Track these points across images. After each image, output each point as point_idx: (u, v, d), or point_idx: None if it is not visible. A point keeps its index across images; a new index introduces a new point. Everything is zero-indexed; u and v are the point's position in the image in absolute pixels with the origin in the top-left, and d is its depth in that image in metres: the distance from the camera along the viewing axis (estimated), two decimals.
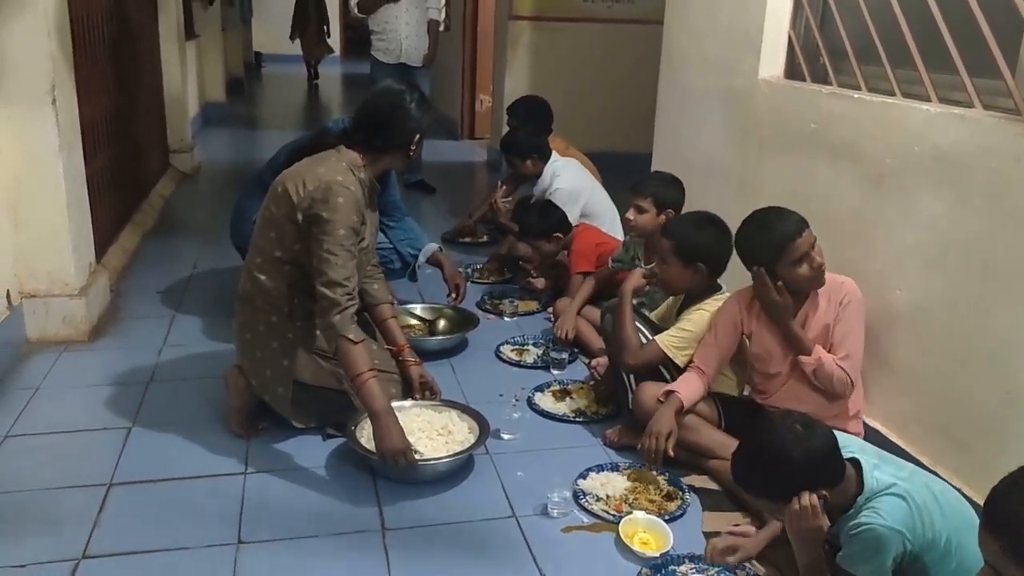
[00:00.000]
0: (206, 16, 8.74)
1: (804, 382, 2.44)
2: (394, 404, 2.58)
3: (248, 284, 2.56)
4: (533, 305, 3.88)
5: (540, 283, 3.98)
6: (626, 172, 3.67)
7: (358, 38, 11.37)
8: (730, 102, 3.31)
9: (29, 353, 3.20)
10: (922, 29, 2.49)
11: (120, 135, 4.49)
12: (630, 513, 2.25)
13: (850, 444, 1.86)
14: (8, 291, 3.16)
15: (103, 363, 3.17)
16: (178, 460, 2.52)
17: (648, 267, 3.14)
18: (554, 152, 4.40)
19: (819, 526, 1.76)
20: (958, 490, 1.96)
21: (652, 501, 2.35)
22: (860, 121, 2.59)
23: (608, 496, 2.37)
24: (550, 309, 3.75)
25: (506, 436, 2.70)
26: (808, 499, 1.76)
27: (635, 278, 2.78)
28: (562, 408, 2.90)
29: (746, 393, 2.70)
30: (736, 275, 2.86)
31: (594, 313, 3.24)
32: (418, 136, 2.56)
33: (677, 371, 2.63)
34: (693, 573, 2.07)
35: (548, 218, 3.87)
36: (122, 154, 4.52)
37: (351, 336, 2.34)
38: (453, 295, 3.48)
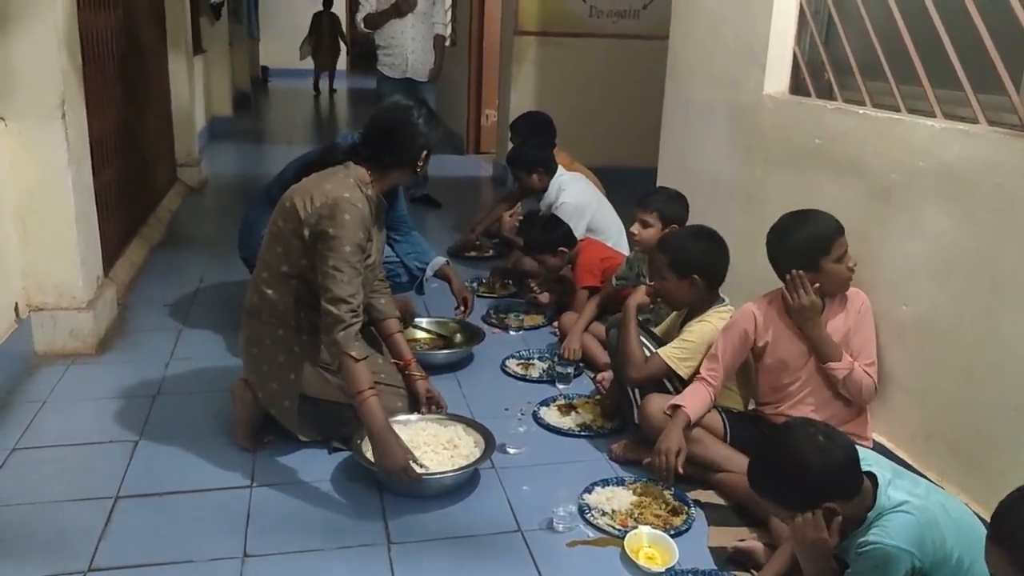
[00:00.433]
0: (213, 31, 8.81)
1: (819, 392, 2.44)
2: (400, 418, 2.59)
3: (255, 298, 2.57)
4: (538, 319, 3.88)
5: (545, 298, 3.98)
6: (631, 187, 3.69)
7: (364, 53, 11.60)
8: (735, 117, 3.32)
9: (37, 366, 3.21)
10: (926, 45, 2.50)
11: (128, 149, 4.52)
12: (636, 528, 2.24)
13: (867, 458, 1.85)
14: (16, 304, 3.18)
15: (110, 376, 3.18)
16: (184, 473, 2.52)
17: (652, 283, 3.15)
18: (560, 167, 4.42)
19: (824, 538, 1.75)
20: (965, 506, 1.95)
21: (658, 516, 2.34)
22: (865, 137, 2.60)
23: (614, 511, 2.36)
24: (555, 323, 3.75)
25: (512, 450, 2.70)
26: (813, 515, 1.75)
27: (639, 294, 2.79)
28: (567, 422, 2.90)
29: (751, 408, 2.70)
30: (740, 289, 2.87)
31: (600, 328, 3.25)
32: (426, 152, 2.57)
33: (681, 384, 2.63)
34: None
35: (553, 232, 3.88)
36: (130, 168, 4.55)
37: (353, 353, 2.35)
38: (461, 308, 3.49)
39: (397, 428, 2.50)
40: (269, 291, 2.53)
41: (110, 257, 3.89)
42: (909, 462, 2.40)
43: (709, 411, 2.53)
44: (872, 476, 1.79)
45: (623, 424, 2.86)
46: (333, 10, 13.58)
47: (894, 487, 1.78)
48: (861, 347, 2.43)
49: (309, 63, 13.87)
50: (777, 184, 3.05)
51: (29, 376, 3.13)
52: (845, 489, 1.75)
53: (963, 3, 2.30)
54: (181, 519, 2.30)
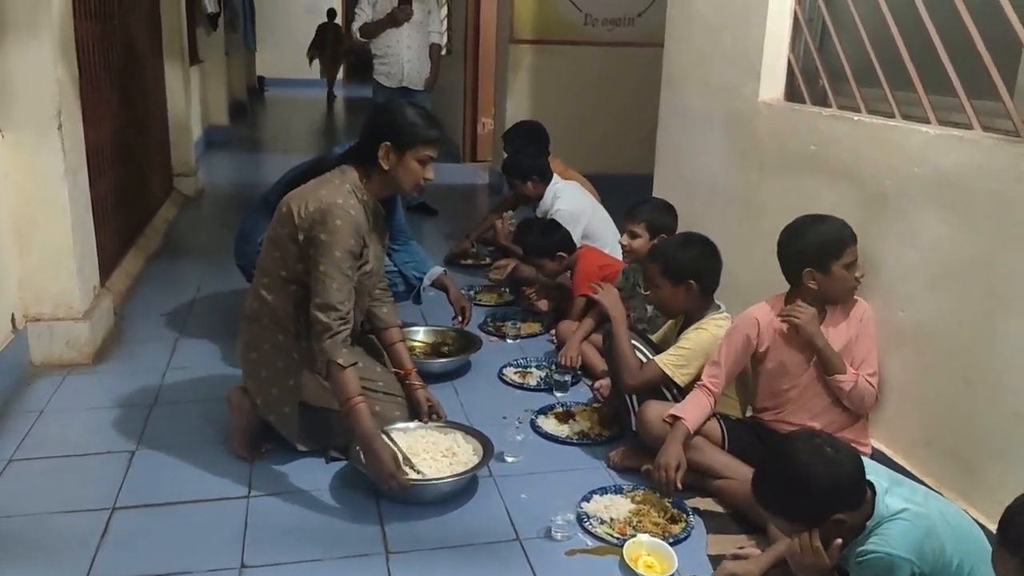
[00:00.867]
0: (210, 41, 8.83)
1: (818, 399, 2.45)
2: (399, 425, 2.59)
3: (255, 303, 2.57)
4: (536, 327, 3.88)
5: (544, 305, 3.98)
6: (628, 194, 3.69)
7: (360, 62, 11.82)
8: (731, 124, 3.33)
9: (33, 377, 3.20)
10: (920, 51, 2.51)
11: (125, 159, 4.52)
12: (634, 536, 2.24)
13: (865, 466, 1.84)
14: (13, 315, 3.17)
15: (107, 386, 3.17)
16: (182, 483, 2.51)
17: (647, 292, 3.16)
18: (556, 175, 4.43)
19: (822, 563, 1.74)
20: (964, 512, 1.95)
21: (656, 524, 2.34)
22: (860, 143, 2.61)
23: (612, 519, 2.36)
24: (553, 331, 3.75)
25: (509, 459, 2.69)
26: (809, 539, 1.74)
27: (612, 296, 2.84)
28: (565, 430, 2.90)
29: (748, 414, 2.70)
30: (737, 295, 2.87)
31: (598, 337, 3.25)
32: (420, 146, 2.49)
33: (679, 391, 2.63)
34: None
35: (551, 237, 3.89)
36: (126, 178, 4.55)
37: (340, 361, 2.35)
38: (459, 318, 3.49)
39: (396, 436, 2.50)
40: (269, 296, 2.53)
41: (107, 267, 3.89)
42: (908, 469, 2.40)
43: (709, 418, 2.52)
44: (870, 484, 1.79)
45: (621, 431, 2.85)
46: (336, 21, 13.96)
47: (892, 495, 1.77)
48: (863, 357, 2.43)
49: (307, 72, 14.02)
50: (773, 191, 3.05)
51: (26, 387, 3.12)
52: (852, 500, 1.74)
53: (956, 9, 2.31)
54: (178, 530, 2.29)
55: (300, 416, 2.57)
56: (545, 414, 3.00)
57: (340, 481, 2.55)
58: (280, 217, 2.50)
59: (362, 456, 2.39)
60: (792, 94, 3.14)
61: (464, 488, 2.49)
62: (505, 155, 4.90)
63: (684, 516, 2.37)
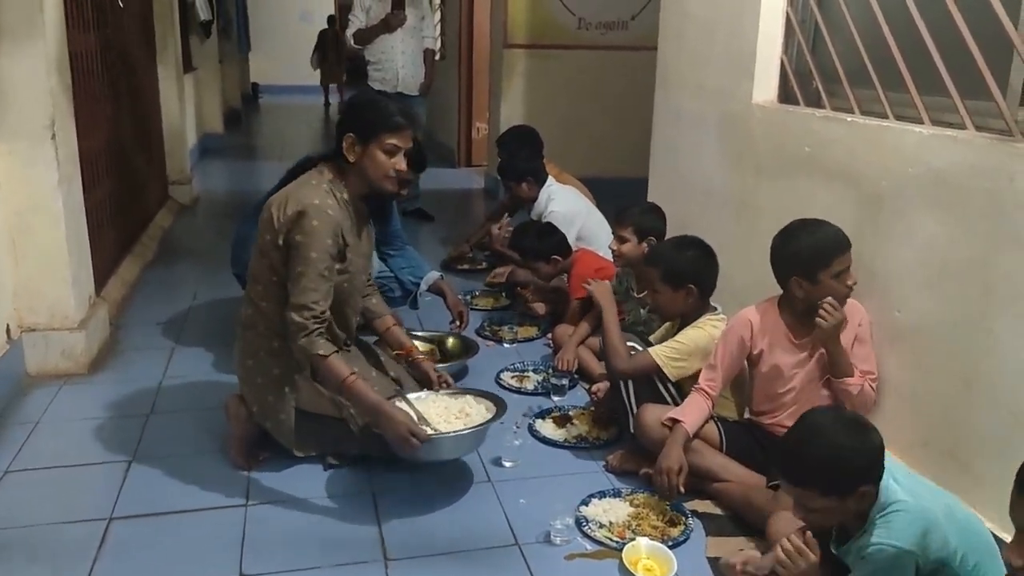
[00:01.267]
0: (203, 49, 8.83)
1: (813, 402, 2.44)
2: (410, 395, 2.60)
3: (250, 310, 2.57)
4: (532, 331, 3.88)
5: (540, 308, 3.98)
6: (622, 197, 3.69)
7: (354, 68, 11.86)
8: (725, 127, 3.33)
9: (29, 387, 3.19)
10: (913, 52, 2.51)
11: (119, 168, 4.52)
12: (633, 539, 2.23)
13: None
14: (8, 325, 3.16)
15: (103, 396, 3.16)
16: (179, 493, 2.50)
17: (641, 295, 3.16)
18: (551, 177, 4.45)
19: (814, 563, 1.76)
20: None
21: (655, 527, 2.33)
22: (854, 144, 2.61)
23: (611, 522, 2.36)
24: (549, 335, 3.75)
25: (507, 463, 2.69)
26: (796, 541, 1.76)
27: (604, 288, 2.85)
28: (563, 434, 2.89)
29: (746, 417, 2.70)
30: (733, 297, 2.87)
31: (594, 341, 3.25)
32: (388, 136, 2.45)
33: (676, 389, 2.63)
34: None
35: (546, 240, 3.89)
36: (121, 187, 4.55)
37: (321, 352, 2.36)
38: (456, 323, 3.49)
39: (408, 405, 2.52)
40: (262, 303, 2.52)
41: (102, 276, 3.88)
42: None
43: (708, 421, 2.52)
44: None
45: (619, 435, 2.85)
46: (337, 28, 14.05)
47: (896, 483, 1.78)
48: (863, 360, 2.42)
49: (301, 79, 14.05)
50: (769, 193, 3.06)
51: (21, 397, 3.11)
52: (878, 472, 1.75)
53: (948, 9, 2.32)
54: (176, 539, 2.29)
55: (297, 422, 2.56)
56: (543, 418, 3.00)
57: (338, 488, 2.54)
58: (263, 224, 2.50)
59: (375, 426, 2.38)
60: (786, 96, 3.15)
61: (480, 441, 2.50)
62: (500, 159, 4.91)
63: (683, 519, 2.37)
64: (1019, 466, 1.37)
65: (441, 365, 3.36)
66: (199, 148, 8.49)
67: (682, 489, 2.40)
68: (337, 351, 2.40)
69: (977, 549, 1.75)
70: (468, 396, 2.67)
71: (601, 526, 2.34)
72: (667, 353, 2.65)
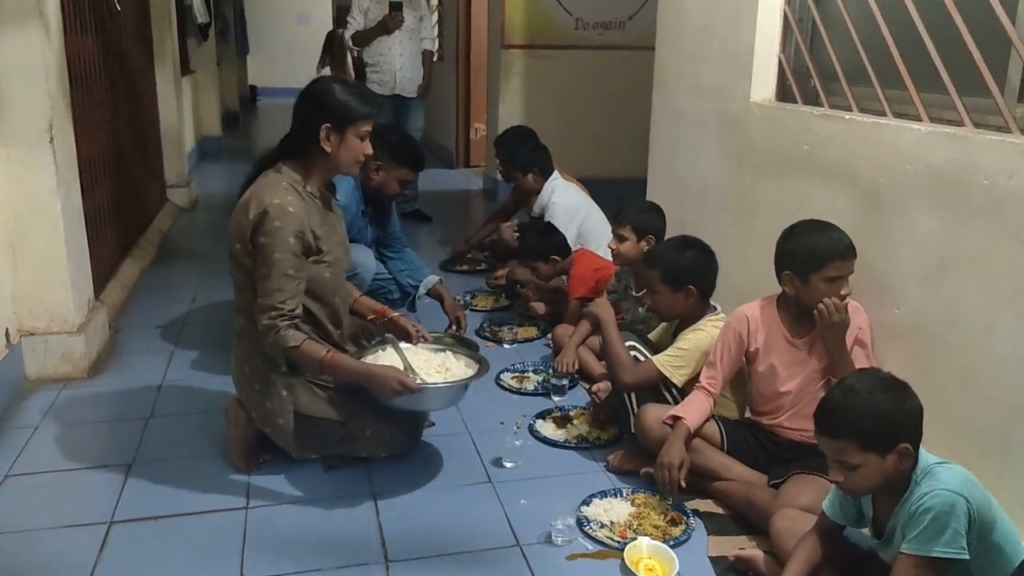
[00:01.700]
0: (201, 52, 8.82)
1: (813, 403, 2.42)
2: (389, 347, 2.66)
3: (241, 318, 2.56)
4: (532, 332, 3.88)
5: (540, 307, 3.98)
6: (621, 197, 3.69)
7: (362, 68, 11.94)
8: (723, 126, 3.33)
9: (28, 391, 3.19)
10: (911, 49, 2.51)
11: (117, 171, 4.51)
12: (635, 539, 2.23)
13: None
14: (7, 329, 3.16)
15: (103, 400, 3.16)
16: (179, 496, 2.50)
17: (639, 294, 3.16)
18: (555, 171, 4.48)
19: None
20: None
21: (657, 527, 2.33)
22: (852, 142, 2.61)
23: (612, 522, 2.36)
24: (549, 336, 3.75)
25: (508, 464, 2.69)
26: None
27: (605, 308, 2.84)
28: (564, 435, 2.89)
29: (747, 416, 2.69)
30: (732, 296, 2.87)
31: (595, 340, 3.24)
32: (353, 122, 2.44)
33: (679, 392, 2.63)
34: None
35: (547, 239, 3.90)
36: (120, 190, 4.54)
37: (293, 343, 2.36)
38: (454, 327, 3.48)
39: (391, 354, 2.60)
40: (252, 311, 2.51)
41: (101, 279, 3.88)
42: None
43: (709, 420, 2.52)
44: None
45: (619, 435, 2.85)
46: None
47: (929, 455, 1.81)
48: (862, 364, 2.40)
49: (299, 81, 13.99)
50: (768, 191, 3.06)
51: (21, 401, 3.11)
52: (917, 432, 1.77)
53: (946, 6, 2.32)
54: (177, 543, 2.28)
55: (296, 427, 2.55)
56: (543, 418, 3.00)
57: (339, 490, 2.54)
58: (232, 234, 2.49)
59: (368, 388, 2.42)
60: (783, 94, 3.14)
61: (462, 395, 2.59)
62: (499, 159, 4.93)
63: (684, 518, 2.37)
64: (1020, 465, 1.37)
65: None
66: (197, 151, 8.49)
67: (683, 484, 2.39)
68: (308, 339, 2.40)
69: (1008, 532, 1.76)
70: (448, 352, 2.73)
71: (602, 526, 2.34)
72: (671, 361, 2.64)
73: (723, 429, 2.54)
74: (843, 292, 2.33)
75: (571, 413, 3.02)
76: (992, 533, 1.73)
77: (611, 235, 4.17)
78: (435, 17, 8.61)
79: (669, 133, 3.80)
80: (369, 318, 2.84)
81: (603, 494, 2.49)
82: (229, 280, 3.52)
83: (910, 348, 2.42)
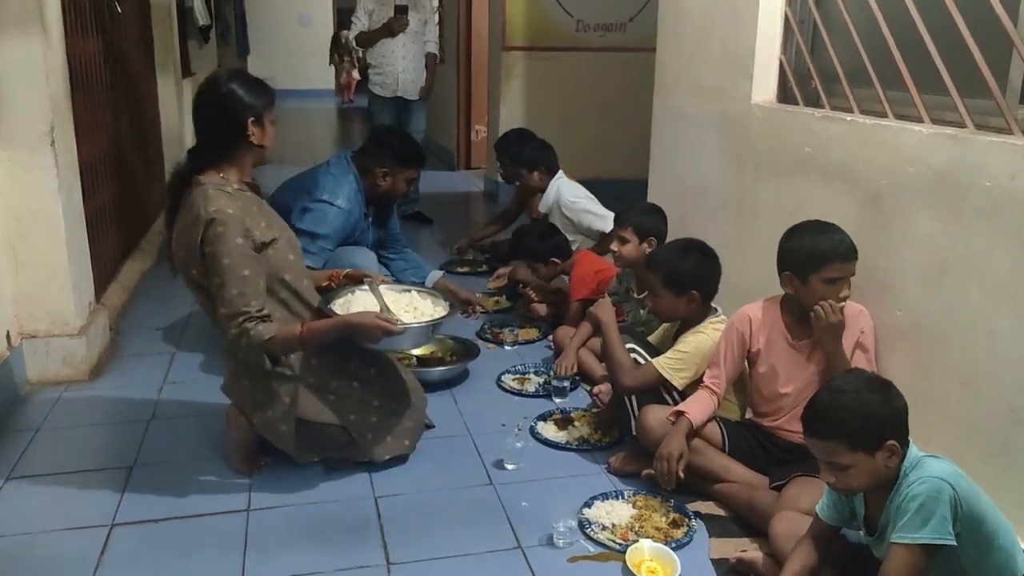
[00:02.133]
0: (202, 54, 8.83)
1: None
2: (357, 289, 2.72)
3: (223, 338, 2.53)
4: (534, 333, 3.87)
5: (543, 309, 3.98)
6: (623, 199, 3.70)
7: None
8: (724, 127, 3.33)
9: (29, 394, 3.19)
10: (912, 51, 2.51)
11: (119, 173, 4.52)
12: (636, 541, 2.23)
13: None
14: (8, 332, 3.16)
15: (104, 402, 3.16)
16: (181, 499, 2.50)
17: (640, 296, 3.16)
18: (560, 170, 4.49)
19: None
20: None
21: (658, 529, 2.33)
22: (853, 143, 2.61)
23: (614, 524, 2.35)
24: (550, 337, 3.75)
25: (509, 466, 2.68)
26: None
27: (607, 310, 2.84)
28: (565, 436, 2.89)
29: (748, 417, 2.69)
30: (733, 298, 2.87)
31: (595, 341, 3.24)
32: (255, 118, 2.49)
33: (680, 396, 2.62)
34: None
35: (547, 241, 3.90)
36: (121, 192, 4.54)
37: (266, 337, 2.33)
38: (470, 310, 3.49)
39: (361, 296, 2.67)
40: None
41: (102, 282, 3.88)
42: None
43: (711, 419, 2.52)
44: None
45: (621, 437, 2.85)
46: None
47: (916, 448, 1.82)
48: (865, 366, 2.41)
49: (299, 83, 14.10)
50: (768, 193, 3.06)
51: (22, 404, 3.11)
52: (903, 428, 1.79)
53: (947, 8, 2.32)
54: (178, 546, 2.28)
55: (298, 432, 2.54)
56: (544, 420, 2.99)
57: (340, 492, 2.54)
58: (181, 264, 2.46)
59: (353, 337, 2.46)
60: (784, 96, 3.14)
61: (436, 333, 2.80)
62: (499, 164, 4.94)
63: (686, 520, 2.37)
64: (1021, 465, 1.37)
65: (442, 368, 3.38)
66: None
67: (681, 475, 2.39)
68: (279, 325, 2.38)
69: (1002, 528, 1.76)
70: (413, 292, 2.79)
71: (604, 528, 2.34)
72: (671, 364, 2.64)
73: (724, 430, 2.54)
74: (843, 294, 2.32)
75: (572, 415, 3.02)
76: (983, 525, 1.73)
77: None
78: (435, 19, 8.61)
79: (670, 135, 3.80)
80: (325, 284, 2.84)
81: (605, 496, 2.48)
82: None
83: (911, 349, 2.42)
